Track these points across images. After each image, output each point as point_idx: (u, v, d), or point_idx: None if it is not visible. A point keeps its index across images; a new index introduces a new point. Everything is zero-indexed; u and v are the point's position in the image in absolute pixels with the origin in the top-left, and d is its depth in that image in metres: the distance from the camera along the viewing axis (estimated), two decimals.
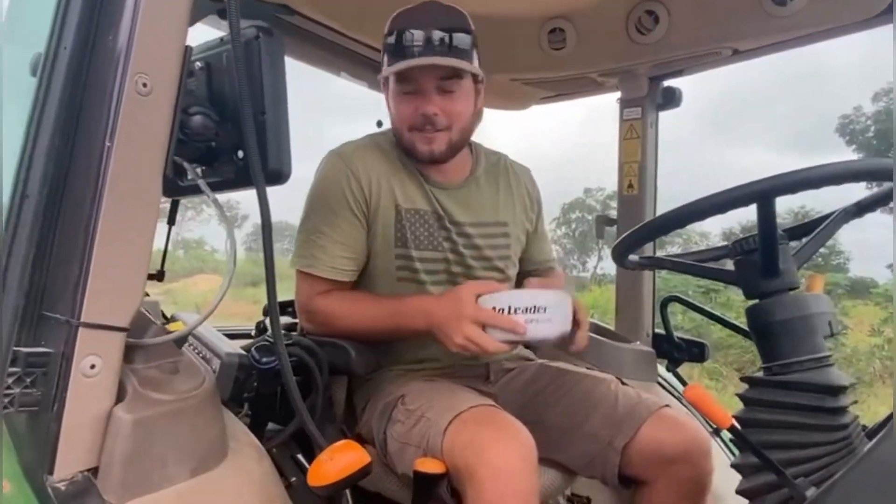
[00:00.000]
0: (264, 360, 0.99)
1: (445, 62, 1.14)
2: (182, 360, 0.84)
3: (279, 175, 0.97)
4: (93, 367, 0.69)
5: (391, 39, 1.17)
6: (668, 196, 1.94)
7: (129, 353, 0.79)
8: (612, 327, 1.98)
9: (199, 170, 1.03)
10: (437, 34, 1.14)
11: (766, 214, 0.87)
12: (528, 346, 1.33)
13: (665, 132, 1.94)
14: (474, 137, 1.34)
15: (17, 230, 0.69)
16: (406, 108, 1.21)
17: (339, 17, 1.68)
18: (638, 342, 1.86)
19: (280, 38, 0.97)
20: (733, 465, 0.93)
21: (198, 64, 1.00)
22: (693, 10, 1.61)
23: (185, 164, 1.00)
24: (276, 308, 0.82)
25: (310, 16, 1.62)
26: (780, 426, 0.87)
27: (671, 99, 1.92)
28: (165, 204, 1.57)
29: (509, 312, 1.03)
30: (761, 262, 0.93)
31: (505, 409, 1.07)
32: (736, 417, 0.94)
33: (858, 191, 1.04)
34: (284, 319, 1.41)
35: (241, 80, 0.81)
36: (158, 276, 1.53)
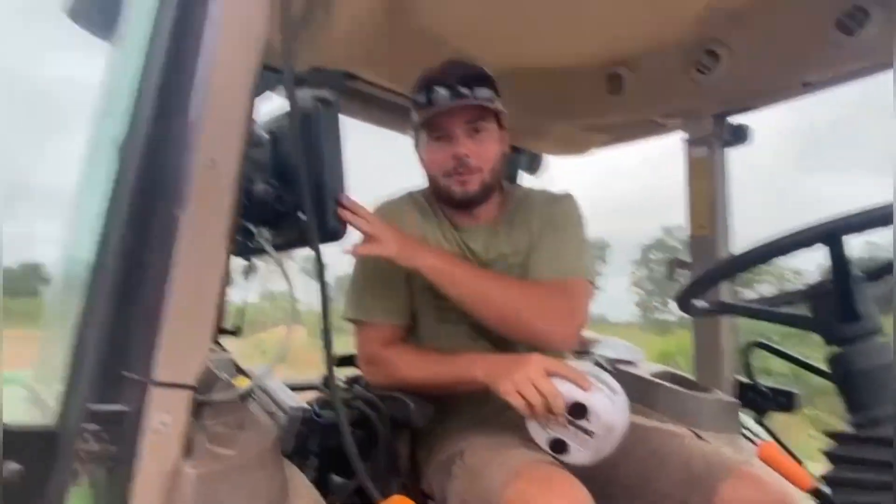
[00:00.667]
0: (325, 413, 1.01)
1: (469, 102, 1.24)
2: (247, 415, 0.88)
3: (336, 233, 1.02)
4: (163, 423, 0.74)
5: (419, 97, 1.28)
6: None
7: (197, 408, 0.84)
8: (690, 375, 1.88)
9: (266, 232, 1.10)
10: (459, 85, 1.24)
11: (837, 255, 0.82)
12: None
13: (746, 163, 1.86)
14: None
15: (96, 297, 0.75)
16: (438, 154, 1.29)
17: (398, 80, 1.76)
18: (719, 391, 1.76)
19: (337, 107, 1.03)
20: None
21: (265, 134, 1.08)
22: (755, 46, 1.56)
23: (252, 227, 1.07)
24: (331, 362, 0.85)
25: (373, 81, 1.71)
26: (871, 487, 0.79)
27: (739, 136, 1.85)
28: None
29: None
30: (838, 305, 0.87)
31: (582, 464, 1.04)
32: (823, 477, 0.86)
33: None
34: (349, 371, 1.44)
35: (297, 147, 0.87)
36: (235, 332, 1.62)
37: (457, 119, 1.25)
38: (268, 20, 0.83)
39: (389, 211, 1.36)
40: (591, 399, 1.02)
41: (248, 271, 1.61)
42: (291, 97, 0.85)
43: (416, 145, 1.38)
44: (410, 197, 1.42)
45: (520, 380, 1.03)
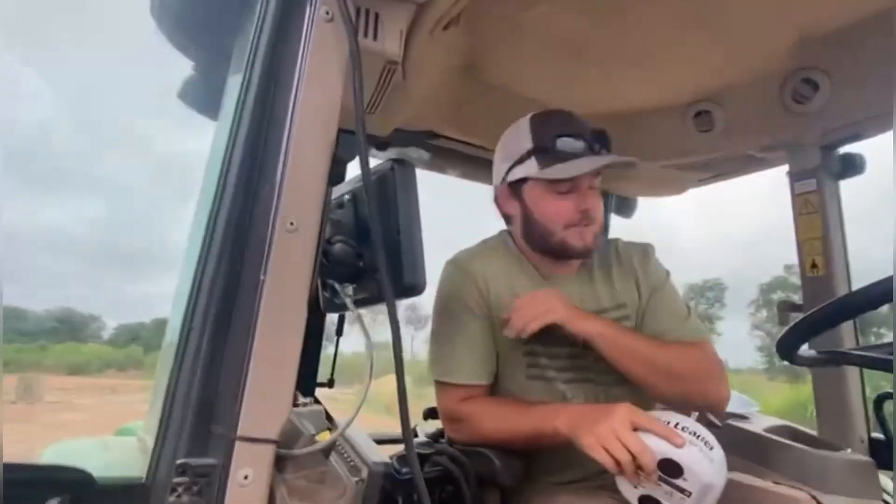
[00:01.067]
0: (404, 469, 1.01)
1: (607, 160, 1.20)
2: (328, 470, 0.90)
3: (414, 288, 1.04)
4: (246, 477, 0.77)
5: (546, 143, 1.22)
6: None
7: (280, 462, 0.87)
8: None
9: (349, 288, 1.14)
10: (593, 140, 1.23)
11: None
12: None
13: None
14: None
15: (185, 356, 0.81)
16: (563, 206, 1.23)
17: (479, 135, 1.80)
18: (849, 449, 1.56)
19: (412, 168, 1.07)
20: None
21: (346, 196, 1.14)
22: (856, 70, 1.45)
23: (336, 285, 1.12)
24: (406, 418, 0.85)
25: (455, 137, 1.76)
26: None
27: (851, 166, 1.70)
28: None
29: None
30: None
31: None
32: None
33: None
34: (436, 424, 1.43)
35: (371, 207, 0.91)
36: (329, 384, 1.68)
37: (587, 174, 1.22)
38: (344, 89, 0.89)
39: (471, 256, 1.34)
40: (685, 456, 0.94)
41: (342, 325, 1.69)
42: (363, 160, 0.90)
43: (509, 193, 1.32)
44: (486, 245, 1.39)
45: (604, 433, 0.96)
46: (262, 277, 0.81)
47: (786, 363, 1.13)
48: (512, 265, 1.33)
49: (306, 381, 1.63)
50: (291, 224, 0.84)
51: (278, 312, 0.82)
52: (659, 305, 1.31)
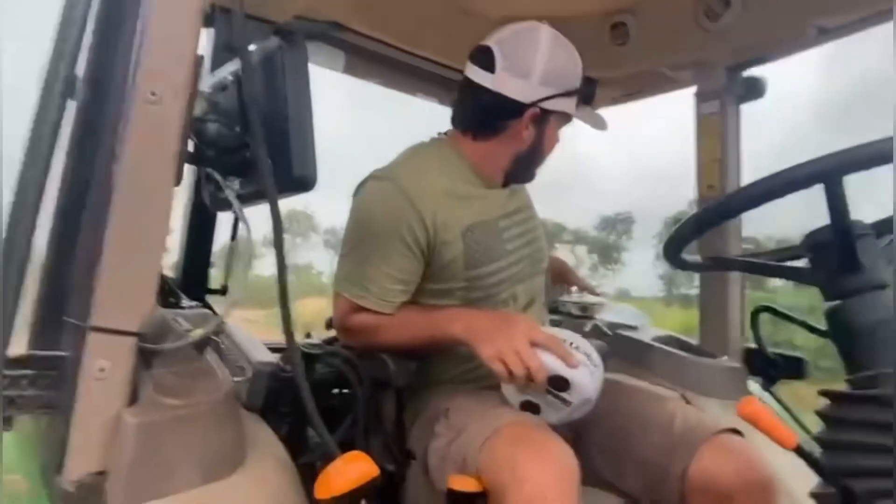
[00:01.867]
0: (289, 367, 0.97)
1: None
2: (202, 366, 0.84)
3: (304, 181, 0.97)
4: (102, 370, 0.70)
5: (586, 86, 1.24)
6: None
7: (148, 358, 0.81)
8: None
9: (235, 182, 1.05)
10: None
11: (836, 198, 0.74)
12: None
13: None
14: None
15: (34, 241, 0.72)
16: (555, 141, 1.29)
17: (394, 33, 1.69)
18: (725, 357, 1.68)
19: (303, 47, 0.97)
20: (812, 495, 0.79)
21: (229, 78, 1.02)
22: None
23: (217, 176, 1.02)
24: (288, 314, 0.80)
25: (363, 32, 1.64)
26: (864, 449, 0.73)
27: (753, 89, 1.74)
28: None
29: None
30: (838, 255, 0.80)
31: (552, 426, 0.99)
32: (816, 439, 0.80)
33: None
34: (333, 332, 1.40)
35: (247, 88, 0.82)
36: (222, 291, 1.60)
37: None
38: None
39: (410, 174, 1.19)
40: (575, 375, 0.98)
41: (236, 228, 1.59)
42: (239, 33, 0.79)
43: (535, 120, 1.20)
44: (426, 155, 1.27)
45: (504, 347, 0.97)
46: (117, 151, 0.71)
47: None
48: (456, 177, 1.23)
49: (194, 285, 1.54)
50: (153, 94, 0.73)
51: (138, 193, 0.73)
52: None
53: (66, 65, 0.69)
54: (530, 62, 1.16)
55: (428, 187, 1.16)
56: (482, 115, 1.22)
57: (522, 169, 1.29)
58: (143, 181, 0.74)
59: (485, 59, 1.18)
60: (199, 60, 0.79)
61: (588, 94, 1.26)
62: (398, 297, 1.17)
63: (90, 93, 0.73)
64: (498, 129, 1.22)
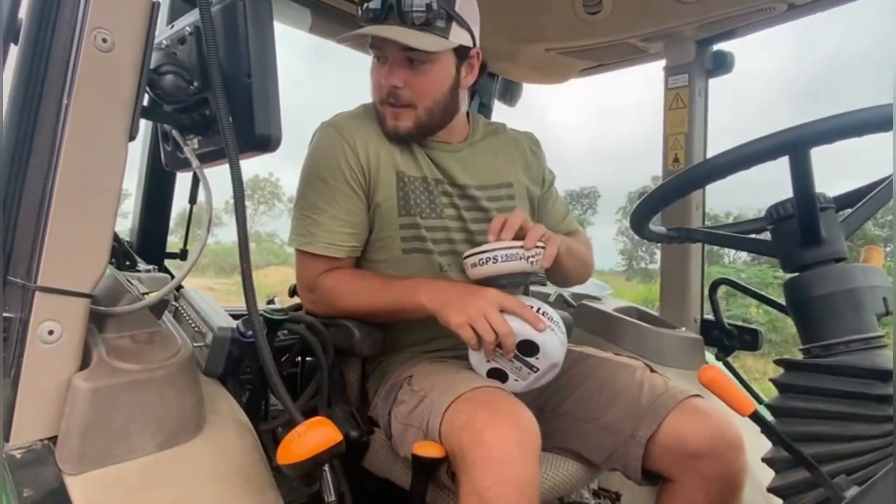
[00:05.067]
0: (249, 333, 0.95)
1: (385, 32, 1.06)
2: (159, 330, 0.82)
3: (268, 140, 0.93)
4: (51, 332, 0.67)
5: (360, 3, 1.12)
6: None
7: (102, 321, 0.78)
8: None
9: (195, 141, 1.00)
10: (395, 2, 1.07)
11: (801, 170, 0.75)
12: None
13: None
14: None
15: None
16: (376, 77, 1.16)
17: None
18: (684, 328, 1.73)
19: (268, 1, 0.92)
20: (764, 460, 0.82)
21: (187, 30, 0.97)
22: None
23: (175, 133, 0.97)
24: (250, 277, 0.78)
25: None
26: (817, 416, 0.76)
27: (722, 64, 1.75)
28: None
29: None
30: (799, 228, 0.81)
31: (516, 392, 1.00)
32: (769, 406, 0.82)
33: None
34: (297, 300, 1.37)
35: (209, 42, 0.78)
36: (181, 256, 1.55)
37: (392, 44, 1.08)
38: None
39: (349, 120, 1.21)
40: (543, 339, 0.99)
41: (196, 190, 1.53)
42: None
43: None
44: (367, 109, 1.25)
45: (474, 314, 0.96)
46: (64, 101, 0.67)
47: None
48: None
49: (152, 249, 1.48)
50: (104, 41, 0.69)
51: (88, 147, 0.69)
52: (556, 197, 1.42)
53: (8, 6, 0.64)
54: None
55: (364, 130, 1.18)
56: None
57: (379, 119, 1.20)
58: (94, 133, 0.70)
59: None
60: (154, 7, 0.75)
61: (364, 8, 1.11)
62: (347, 240, 1.16)
63: (35, 38, 0.68)
64: None
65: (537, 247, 1.02)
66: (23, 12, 0.70)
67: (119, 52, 0.71)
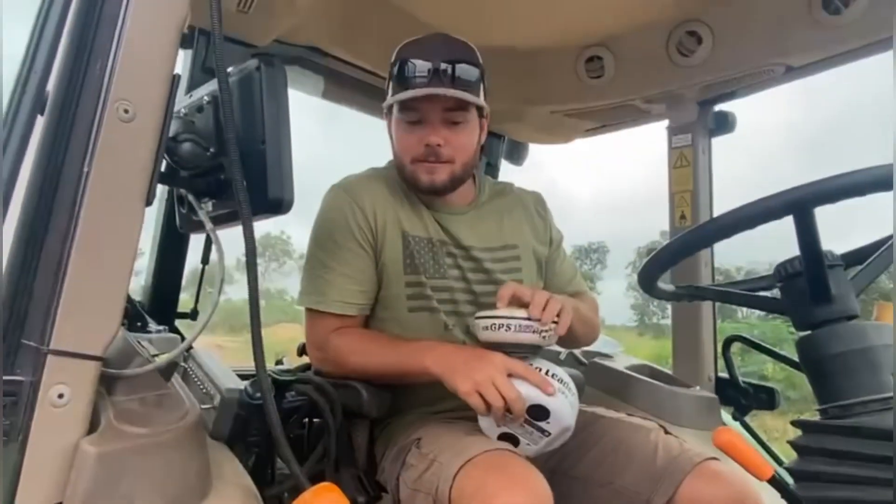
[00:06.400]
0: (257, 395, 0.94)
1: (450, 93, 1.11)
2: (168, 393, 0.81)
3: (280, 204, 0.95)
4: (61, 396, 0.67)
5: (395, 69, 1.16)
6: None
7: (111, 384, 0.78)
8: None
9: (209, 204, 1.03)
10: (442, 65, 1.12)
11: (806, 229, 0.76)
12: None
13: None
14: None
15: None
16: (410, 138, 1.18)
17: (373, 59, 1.70)
18: (698, 387, 1.69)
19: (282, 69, 0.96)
20: None
21: (206, 99, 1.01)
22: (738, 27, 1.51)
23: (191, 197, 1.00)
24: (260, 340, 0.78)
25: (342, 58, 1.64)
26: (839, 480, 0.73)
27: (724, 124, 1.80)
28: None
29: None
30: (808, 286, 0.81)
31: (528, 457, 0.98)
32: (789, 469, 0.80)
33: None
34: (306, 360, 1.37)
35: (225, 109, 0.81)
36: (192, 316, 1.56)
37: (435, 105, 1.14)
38: None
39: (359, 182, 1.25)
40: (553, 403, 0.97)
41: (208, 251, 1.56)
42: (218, 48, 0.79)
43: (387, 119, 1.27)
44: (376, 172, 1.30)
45: (481, 380, 0.95)
46: (85, 169, 0.69)
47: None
48: (400, 198, 1.25)
49: (163, 309, 1.49)
50: (126, 112, 0.72)
51: (106, 213, 0.71)
52: (564, 258, 1.43)
53: (37, 80, 0.68)
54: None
55: (372, 192, 1.22)
56: None
57: (402, 176, 1.24)
58: (112, 200, 0.72)
59: None
60: (175, 80, 0.78)
61: (402, 75, 1.14)
62: (357, 297, 1.18)
63: (61, 109, 0.71)
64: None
65: (553, 321, 1.01)
66: (51, 85, 0.73)
67: (140, 122, 0.73)
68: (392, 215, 1.21)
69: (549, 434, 0.99)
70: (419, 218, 1.24)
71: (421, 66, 1.12)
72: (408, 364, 1.07)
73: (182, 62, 1.54)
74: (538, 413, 0.97)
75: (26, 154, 0.70)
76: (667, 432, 1.14)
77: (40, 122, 0.73)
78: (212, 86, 1.03)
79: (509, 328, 1.00)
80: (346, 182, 1.26)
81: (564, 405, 0.98)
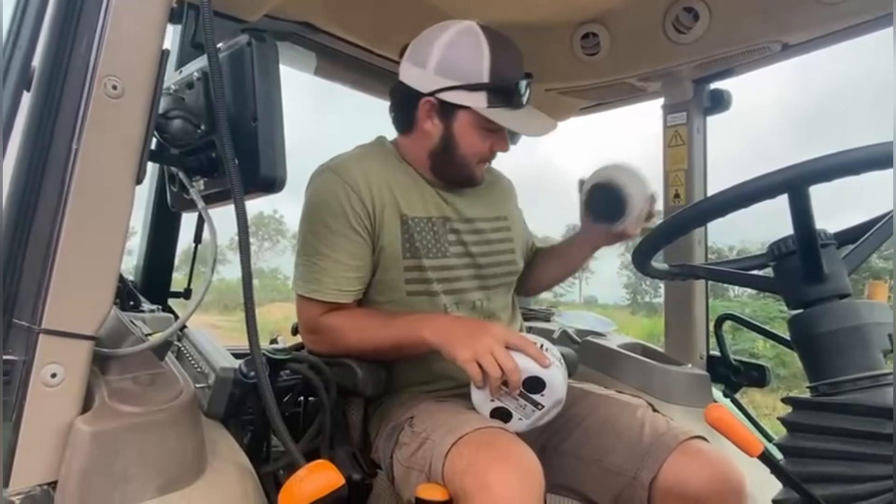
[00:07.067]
0: (251, 374, 0.94)
1: (548, 128, 1.22)
2: (161, 372, 0.81)
3: (272, 182, 0.94)
4: (54, 375, 0.67)
5: (505, 85, 1.13)
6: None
7: (105, 363, 0.77)
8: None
9: (200, 182, 1.02)
10: (527, 85, 1.17)
11: (800, 208, 0.76)
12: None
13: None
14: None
15: None
16: (484, 143, 1.20)
17: (366, 35, 1.67)
18: (690, 365, 1.71)
19: (273, 45, 0.95)
20: (775, 502, 0.80)
21: (195, 75, 0.99)
22: (735, 3, 1.49)
23: (182, 175, 0.99)
24: (253, 318, 0.78)
25: (333, 32, 1.62)
26: (827, 456, 0.74)
27: (719, 102, 1.79)
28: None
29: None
30: (801, 264, 0.81)
31: (519, 432, 0.99)
32: (779, 445, 0.81)
33: None
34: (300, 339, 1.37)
35: (216, 86, 0.80)
36: (185, 295, 1.55)
37: None
38: None
39: (351, 162, 1.21)
40: (548, 375, 0.99)
41: (201, 230, 1.55)
42: (206, 29, 0.77)
43: (434, 109, 1.17)
44: (366, 151, 1.27)
45: (480, 350, 0.96)
46: (74, 146, 0.68)
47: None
48: (397, 173, 1.23)
49: (156, 288, 1.49)
50: (114, 88, 0.71)
51: (96, 190, 0.70)
52: (525, 226, 1.51)
53: (21, 55, 0.66)
54: (428, 52, 1.16)
55: (365, 174, 1.19)
56: (393, 106, 1.27)
57: (442, 166, 1.23)
58: (102, 177, 0.71)
59: (404, 51, 1.22)
60: (164, 55, 0.77)
61: (507, 95, 1.14)
62: (353, 284, 1.17)
63: (47, 85, 0.70)
64: (408, 121, 1.23)
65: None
66: (36, 60, 0.72)
67: (128, 99, 0.72)
68: (389, 197, 1.19)
69: (542, 407, 1.00)
70: (419, 196, 1.23)
71: (523, 86, 1.15)
72: (405, 336, 1.08)
73: (171, 37, 1.51)
74: (533, 385, 0.99)
75: (13, 131, 0.69)
76: (654, 410, 1.16)
77: (27, 99, 0.72)
78: (202, 62, 1.01)
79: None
80: (336, 164, 1.21)
81: (558, 378, 1.00)
